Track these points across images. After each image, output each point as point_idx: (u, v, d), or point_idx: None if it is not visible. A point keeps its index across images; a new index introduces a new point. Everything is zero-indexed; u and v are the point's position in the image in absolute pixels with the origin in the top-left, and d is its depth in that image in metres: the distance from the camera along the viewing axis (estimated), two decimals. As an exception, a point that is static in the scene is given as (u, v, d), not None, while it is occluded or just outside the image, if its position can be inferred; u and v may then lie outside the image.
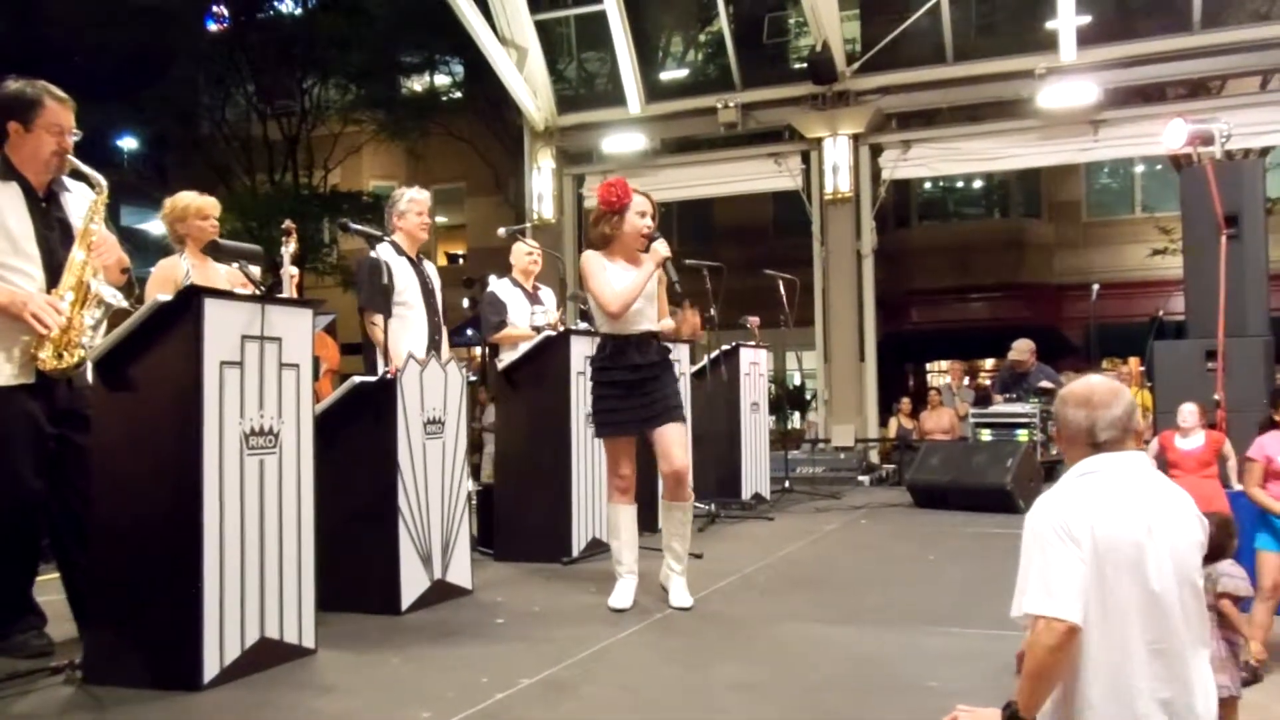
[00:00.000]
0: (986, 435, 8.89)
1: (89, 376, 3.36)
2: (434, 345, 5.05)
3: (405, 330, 4.83)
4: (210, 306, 3.17)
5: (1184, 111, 9.13)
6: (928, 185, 19.42)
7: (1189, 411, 6.53)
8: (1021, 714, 2.37)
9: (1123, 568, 2.38)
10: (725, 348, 7.62)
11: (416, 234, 5.12)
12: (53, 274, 3.47)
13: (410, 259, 5.08)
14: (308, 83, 21.54)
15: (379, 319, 4.72)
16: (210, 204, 4.54)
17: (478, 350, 10.79)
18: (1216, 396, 6.81)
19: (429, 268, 5.26)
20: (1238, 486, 6.19)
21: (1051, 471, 8.38)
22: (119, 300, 3.51)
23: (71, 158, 3.55)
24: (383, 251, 4.77)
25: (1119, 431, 2.49)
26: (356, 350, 5.25)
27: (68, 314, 3.41)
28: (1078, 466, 2.52)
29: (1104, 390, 2.53)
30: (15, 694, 3.11)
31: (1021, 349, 9.54)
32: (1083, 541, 2.39)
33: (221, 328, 3.21)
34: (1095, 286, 9.19)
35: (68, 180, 3.66)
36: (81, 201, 3.63)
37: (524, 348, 5.61)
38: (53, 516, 3.55)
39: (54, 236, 3.52)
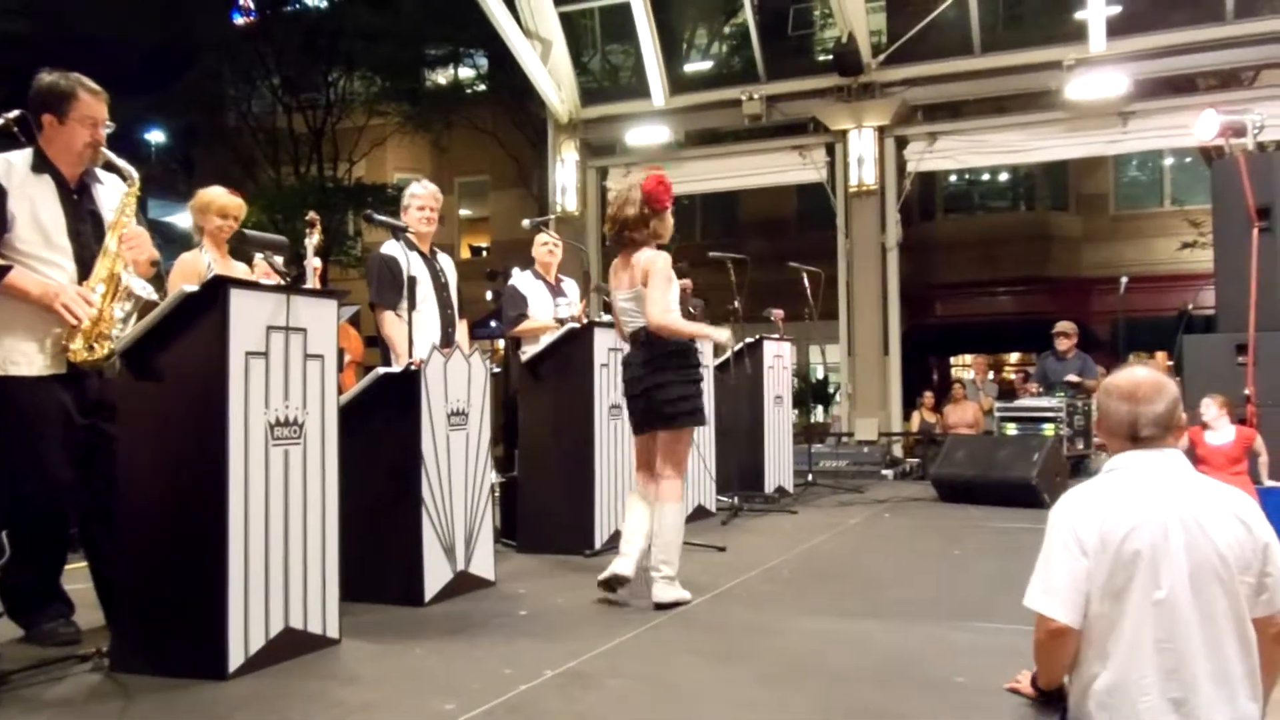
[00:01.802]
0: (1012, 429, 8.82)
1: (117, 367, 3.38)
2: (447, 339, 5.05)
3: (417, 325, 4.84)
4: (236, 297, 3.18)
5: (1216, 102, 8.99)
6: (953, 178, 19.27)
7: (1208, 405, 6.47)
8: (1038, 683, 2.80)
9: (1133, 567, 2.38)
10: (749, 340, 7.61)
11: (417, 227, 5.09)
12: (84, 266, 3.49)
13: (422, 253, 5.08)
14: (333, 75, 21.63)
15: (387, 315, 4.76)
16: (234, 205, 4.56)
17: (500, 343, 10.81)
18: (1247, 391, 6.74)
19: (444, 261, 5.26)
20: (1269, 483, 6.12)
21: (1078, 466, 8.31)
22: (149, 293, 3.53)
23: (104, 150, 3.57)
24: (393, 247, 4.78)
25: (1160, 429, 2.48)
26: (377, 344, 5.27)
27: (99, 306, 3.43)
28: (1108, 462, 2.54)
29: (1148, 385, 2.50)
30: (43, 682, 3.14)
31: (1065, 327, 9.36)
32: (1088, 542, 2.41)
33: (247, 318, 3.22)
34: (1124, 280, 9.08)
35: (99, 172, 3.68)
36: (113, 194, 3.65)
37: (546, 340, 5.61)
38: (81, 506, 3.59)
39: (86, 229, 3.54)
